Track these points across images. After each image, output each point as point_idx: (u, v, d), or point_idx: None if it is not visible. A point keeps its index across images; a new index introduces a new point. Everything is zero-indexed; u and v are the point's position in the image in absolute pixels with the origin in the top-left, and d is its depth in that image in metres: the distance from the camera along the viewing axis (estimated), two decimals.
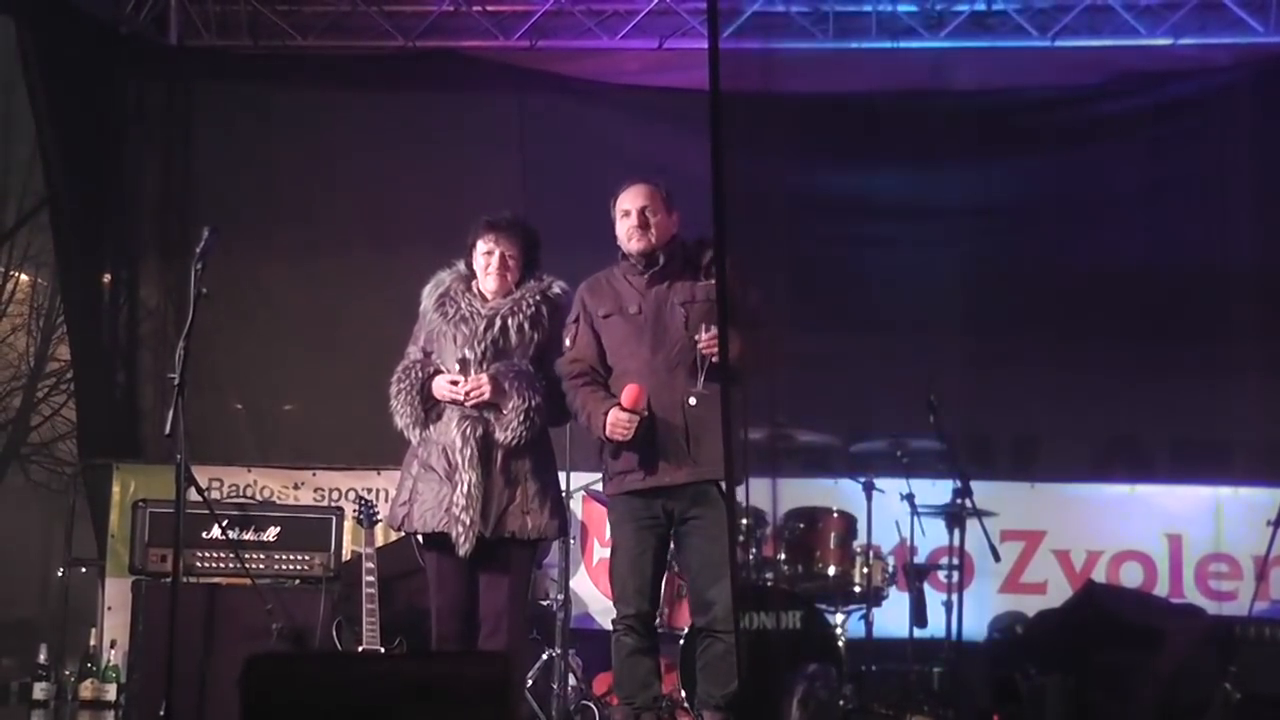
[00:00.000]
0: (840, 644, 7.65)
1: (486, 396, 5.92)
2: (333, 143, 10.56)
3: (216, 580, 7.65)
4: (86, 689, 8.22)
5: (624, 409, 5.94)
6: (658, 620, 6.52)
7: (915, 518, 8.08)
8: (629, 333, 6.14)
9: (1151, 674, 6.94)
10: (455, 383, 5.96)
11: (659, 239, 6.14)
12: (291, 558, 7.78)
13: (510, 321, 6.02)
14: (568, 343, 6.23)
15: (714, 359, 5.84)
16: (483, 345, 5.99)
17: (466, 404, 5.94)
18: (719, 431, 5.75)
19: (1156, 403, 9.73)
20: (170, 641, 6.35)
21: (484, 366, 5.97)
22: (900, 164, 10.25)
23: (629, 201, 6.19)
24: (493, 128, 10.53)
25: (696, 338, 5.92)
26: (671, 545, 6.27)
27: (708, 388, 5.90)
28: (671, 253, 6.13)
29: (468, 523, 5.87)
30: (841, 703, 7.13)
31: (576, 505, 8.75)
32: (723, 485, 5.95)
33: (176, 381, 6.25)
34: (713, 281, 5.95)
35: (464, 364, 5.98)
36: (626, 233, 6.19)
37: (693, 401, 5.95)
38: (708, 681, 6.17)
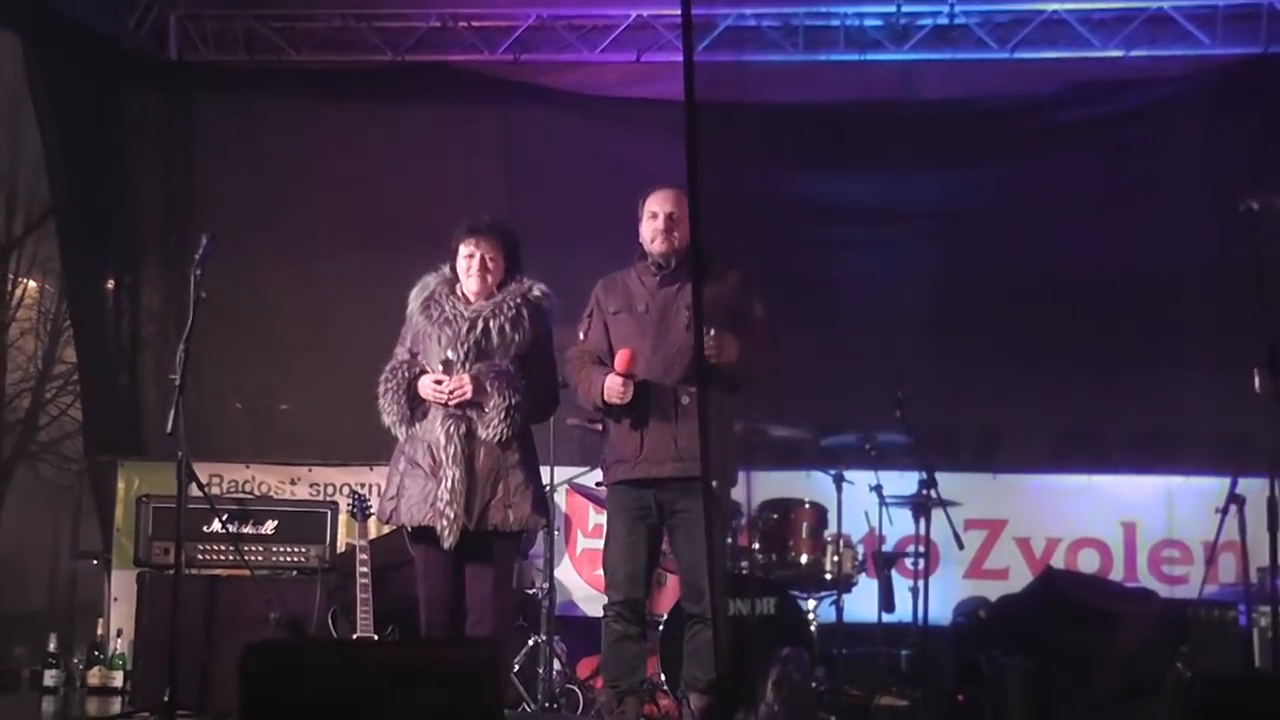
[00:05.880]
0: (813, 629, 7.65)
1: (469, 396, 5.91)
2: (326, 153, 10.55)
3: (217, 572, 7.64)
4: (94, 676, 8.21)
5: (618, 373, 6.04)
6: None
7: (883, 508, 8.08)
8: (634, 329, 6.22)
9: (1108, 654, 6.96)
10: (439, 383, 5.95)
11: (680, 244, 6.17)
12: (288, 550, 7.77)
13: (492, 323, 6.00)
14: (581, 336, 6.37)
15: (711, 362, 5.88)
16: (465, 346, 5.98)
17: (450, 403, 5.93)
18: (710, 429, 5.82)
19: (1112, 397, 9.75)
20: (173, 630, 6.36)
21: (467, 367, 5.96)
22: (868, 170, 10.27)
23: (658, 204, 6.25)
24: (479, 137, 10.54)
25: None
26: (665, 537, 6.31)
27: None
28: (687, 259, 6.13)
29: (452, 516, 5.86)
30: (814, 685, 7.14)
31: (560, 498, 8.76)
32: (713, 483, 6.00)
33: (178, 382, 6.25)
34: (718, 289, 6.00)
35: (448, 364, 5.97)
36: (651, 233, 6.26)
37: (685, 400, 5.99)
38: (695, 665, 6.18)
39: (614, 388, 6.06)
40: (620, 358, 6.06)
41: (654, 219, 6.24)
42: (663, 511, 6.14)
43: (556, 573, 8.28)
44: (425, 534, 5.98)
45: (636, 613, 6.21)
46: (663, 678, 7.22)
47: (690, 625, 6.24)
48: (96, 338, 10.60)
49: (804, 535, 7.79)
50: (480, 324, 6.01)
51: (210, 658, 7.26)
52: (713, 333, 5.89)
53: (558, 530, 8.58)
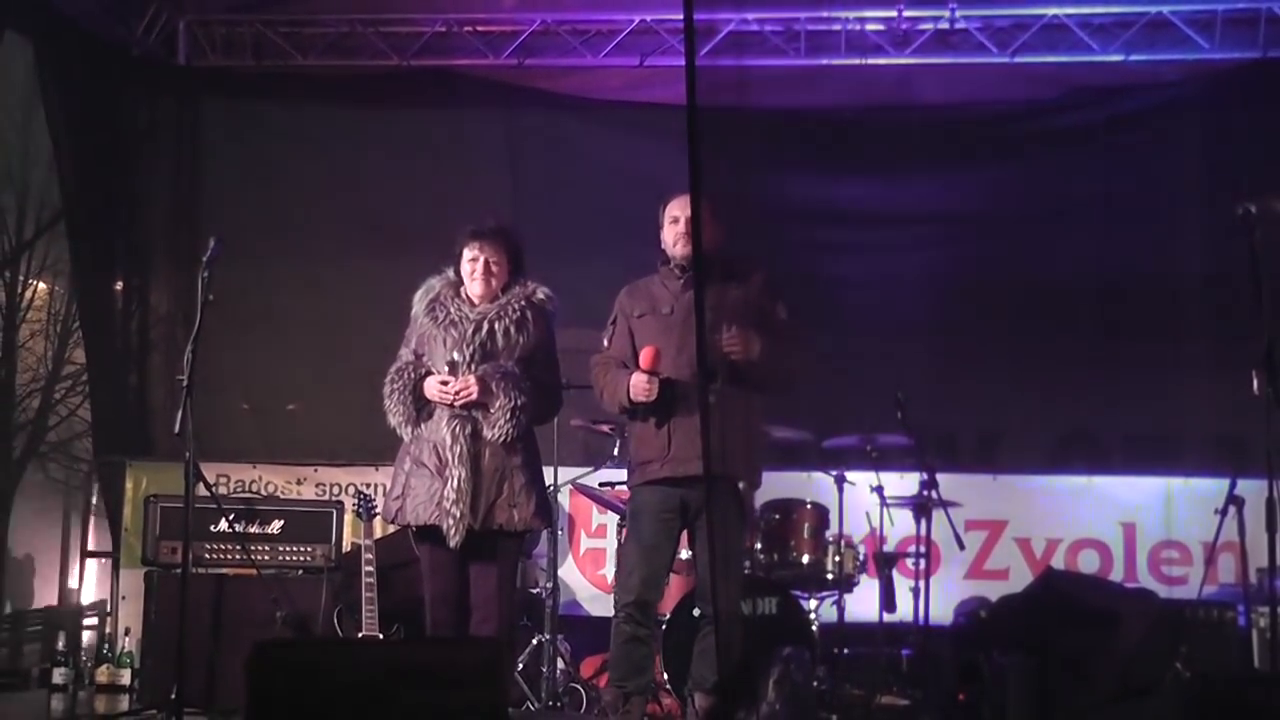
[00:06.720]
0: (814, 628, 7.64)
1: (474, 397, 5.89)
2: (332, 156, 10.56)
3: (224, 571, 7.63)
4: (102, 674, 8.18)
5: (643, 370, 6.02)
6: None
7: (884, 509, 8.07)
8: (659, 331, 6.19)
9: (1107, 654, 6.94)
10: (445, 384, 5.94)
11: (704, 247, 6.13)
12: (295, 549, 7.76)
13: (497, 326, 5.99)
14: (605, 343, 6.35)
15: (732, 358, 5.90)
16: (471, 348, 5.96)
17: (455, 404, 5.92)
18: (736, 430, 5.82)
19: (1111, 399, 9.75)
20: (181, 629, 6.33)
21: (472, 368, 5.94)
22: (869, 174, 10.27)
23: (679, 209, 6.25)
24: (483, 141, 10.55)
25: (717, 337, 5.91)
26: (683, 538, 6.30)
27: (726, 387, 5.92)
28: (711, 261, 6.10)
29: (458, 516, 5.85)
30: (815, 684, 7.13)
31: (564, 498, 8.75)
32: (740, 484, 6.00)
33: (185, 383, 6.24)
34: (742, 291, 6.02)
35: (453, 366, 5.95)
36: (673, 237, 6.27)
37: (711, 399, 5.95)
38: (704, 665, 6.16)
39: (640, 385, 6.04)
40: (644, 355, 6.04)
41: (675, 223, 6.25)
42: (688, 511, 6.12)
43: (560, 572, 8.27)
44: (430, 533, 5.96)
45: (648, 615, 6.19)
46: (665, 676, 7.20)
47: (703, 625, 6.22)
48: (105, 339, 10.62)
49: (805, 536, 7.77)
50: (485, 326, 5.99)
51: (217, 656, 7.25)
52: (734, 330, 5.90)
53: (561, 530, 8.58)
